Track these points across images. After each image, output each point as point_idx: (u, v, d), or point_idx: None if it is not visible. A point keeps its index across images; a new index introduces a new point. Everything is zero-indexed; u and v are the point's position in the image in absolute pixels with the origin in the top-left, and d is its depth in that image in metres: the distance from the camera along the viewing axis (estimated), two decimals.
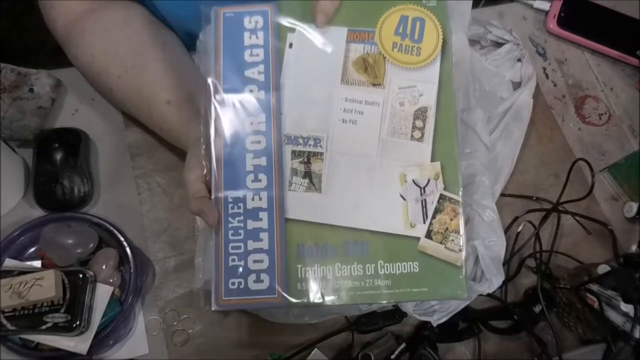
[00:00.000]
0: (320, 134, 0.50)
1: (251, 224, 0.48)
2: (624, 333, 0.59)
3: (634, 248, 0.68)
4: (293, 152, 0.49)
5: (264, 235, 0.48)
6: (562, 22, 0.83)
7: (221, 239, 0.48)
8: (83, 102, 0.70)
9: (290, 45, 0.51)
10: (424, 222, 0.49)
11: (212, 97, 0.49)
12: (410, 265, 0.48)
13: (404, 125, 0.50)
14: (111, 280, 0.59)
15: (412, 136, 0.50)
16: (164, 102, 0.58)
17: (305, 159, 0.49)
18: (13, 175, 0.63)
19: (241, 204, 0.48)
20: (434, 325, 0.61)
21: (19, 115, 0.64)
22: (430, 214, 0.49)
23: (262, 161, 0.49)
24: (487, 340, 0.66)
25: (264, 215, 0.48)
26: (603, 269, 0.63)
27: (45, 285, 0.55)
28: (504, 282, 0.67)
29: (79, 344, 0.56)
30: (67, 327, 0.55)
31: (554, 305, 0.66)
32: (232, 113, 0.49)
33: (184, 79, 0.61)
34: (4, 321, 0.55)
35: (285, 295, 0.47)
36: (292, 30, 0.51)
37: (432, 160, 0.50)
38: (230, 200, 0.48)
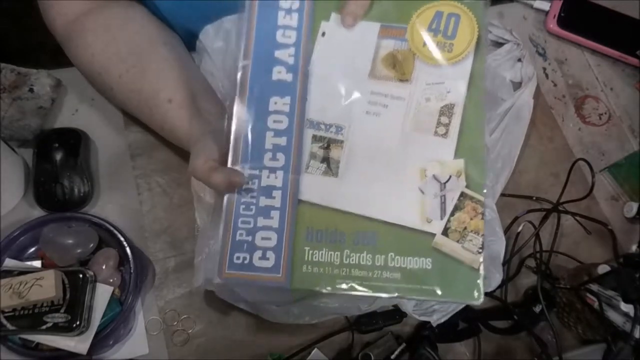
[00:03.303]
0: (342, 122, 0.49)
1: (263, 201, 0.48)
2: (624, 333, 0.59)
3: (634, 248, 0.68)
4: (314, 136, 0.49)
5: (275, 214, 0.47)
6: (562, 22, 0.83)
7: (231, 213, 0.47)
8: (83, 102, 0.70)
9: (323, 34, 0.50)
10: (442, 219, 0.48)
11: (239, 72, 0.49)
12: (423, 261, 0.47)
13: (428, 120, 0.50)
14: (111, 280, 0.59)
15: (436, 132, 0.49)
16: (165, 100, 0.58)
17: (325, 145, 0.49)
18: (13, 175, 0.63)
19: (256, 181, 0.48)
20: (434, 325, 0.61)
21: (19, 115, 0.64)
22: (448, 211, 0.48)
23: (282, 141, 0.48)
24: (487, 340, 0.66)
25: (277, 194, 0.48)
26: (603, 269, 0.63)
27: (45, 285, 0.55)
28: (504, 282, 0.67)
29: (79, 344, 0.56)
30: (67, 327, 0.55)
31: (554, 305, 0.66)
32: (258, 90, 0.49)
33: (186, 78, 0.61)
34: (4, 321, 0.55)
35: (290, 276, 0.46)
36: (327, 19, 0.50)
37: (456, 157, 0.49)
38: (245, 175, 0.48)
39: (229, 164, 0.48)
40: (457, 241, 0.48)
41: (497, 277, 0.62)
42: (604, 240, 0.71)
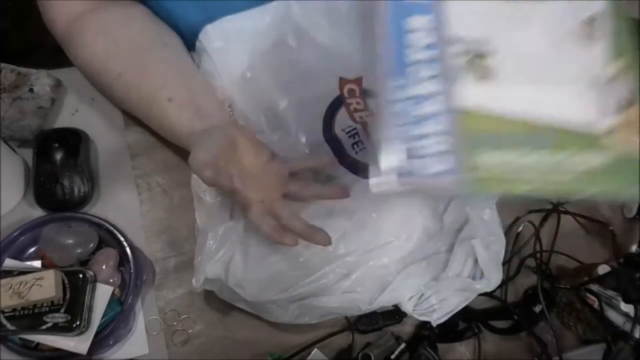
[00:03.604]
0: (488, 34, 0.49)
1: (418, 110, 0.47)
2: (624, 333, 0.60)
3: (634, 248, 0.68)
4: (460, 51, 0.49)
5: (434, 120, 0.47)
6: None
7: (386, 123, 0.47)
8: (83, 102, 0.70)
9: None
10: (608, 118, 0.48)
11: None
12: (594, 159, 0.47)
13: (576, 30, 0.50)
14: (111, 280, 0.59)
15: (586, 38, 0.50)
16: (165, 99, 0.58)
17: (474, 56, 0.49)
18: (13, 175, 0.63)
19: (404, 90, 0.47)
20: (434, 325, 0.61)
21: (19, 115, 0.64)
22: (616, 110, 0.48)
23: (427, 55, 0.48)
24: (487, 340, 0.66)
25: (433, 101, 0.47)
26: (603, 269, 0.63)
27: (45, 285, 0.55)
28: (504, 282, 0.67)
29: (79, 344, 0.56)
30: (67, 327, 0.55)
31: (554, 305, 0.66)
32: (395, 11, 0.49)
33: (186, 77, 0.61)
34: (4, 321, 0.55)
35: (461, 180, 0.45)
36: None
37: (612, 61, 0.49)
38: (392, 86, 0.47)
39: (373, 78, 0.48)
40: (626, 140, 0.47)
41: (498, 278, 0.62)
42: (604, 240, 0.71)
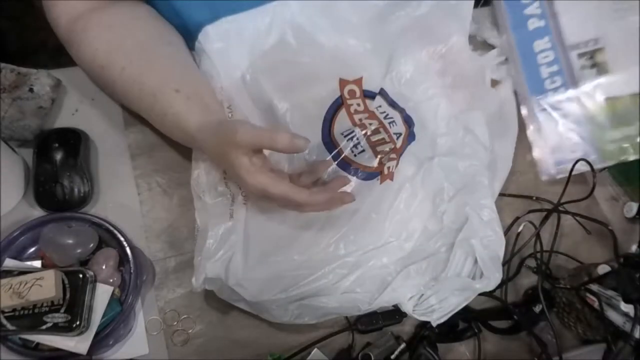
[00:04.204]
0: (597, 34, 0.66)
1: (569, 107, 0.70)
2: (624, 333, 0.60)
3: (634, 248, 0.68)
4: (578, 54, 0.66)
5: (576, 111, 0.70)
6: None
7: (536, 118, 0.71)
8: (83, 102, 0.70)
9: None
10: None
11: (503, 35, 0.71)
12: None
13: None
14: (111, 280, 0.59)
15: None
16: (172, 90, 0.57)
17: (589, 56, 0.66)
18: (13, 175, 0.63)
19: (544, 100, 0.69)
20: (434, 325, 0.61)
21: (19, 115, 0.64)
22: None
23: (554, 68, 0.67)
24: (487, 340, 0.66)
25: (566, 105, 0.70)
26: (603, 269, 0.63)
27: (45, 285, 0.55)
28: (504, 282, 0.67)
29: (79, 344, 0.56)
30: (67, 327, 0.55)
31: (554, 305, 0.66)
32: (521, 40, 0.70)
33: (192, 75, 0.61)
34: (4, 321, 0.55)
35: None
36: None
37: None
38: (541, 105, 0.68)
39: (520, 94, 0.72)
40: None
41: (497, 277, 0.62)
42: (604, 240, 0.71)
